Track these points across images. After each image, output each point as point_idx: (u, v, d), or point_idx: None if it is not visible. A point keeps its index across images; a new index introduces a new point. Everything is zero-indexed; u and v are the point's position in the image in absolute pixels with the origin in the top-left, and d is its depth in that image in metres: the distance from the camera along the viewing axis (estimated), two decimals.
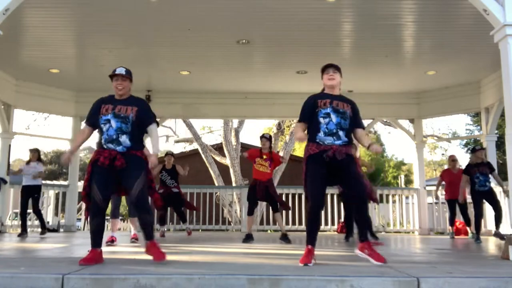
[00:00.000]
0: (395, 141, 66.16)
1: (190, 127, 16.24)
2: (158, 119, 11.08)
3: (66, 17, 6.88)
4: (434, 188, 10.84)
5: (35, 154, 8.70)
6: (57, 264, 3.83)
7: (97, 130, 4.15)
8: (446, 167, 11.39)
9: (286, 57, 8.33)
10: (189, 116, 13.24)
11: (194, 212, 10.73)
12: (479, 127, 18.39)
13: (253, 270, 3.52)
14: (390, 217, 11.04)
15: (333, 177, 4.05)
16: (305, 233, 4.13)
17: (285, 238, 6.96)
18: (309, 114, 4.10)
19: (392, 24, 6.98)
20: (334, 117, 4.01)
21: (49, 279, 3.10)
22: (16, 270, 3.43)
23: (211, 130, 19.68)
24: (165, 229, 8.68)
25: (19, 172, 8.80)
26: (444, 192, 9.19)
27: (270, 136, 7.38)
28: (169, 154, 8.77)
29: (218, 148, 17.23)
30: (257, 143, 25.70)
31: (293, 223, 10.68)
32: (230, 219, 13.85)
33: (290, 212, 10.51)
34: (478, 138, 14.84)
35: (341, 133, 4.01)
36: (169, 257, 4.77)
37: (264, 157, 7.06)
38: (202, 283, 3.10)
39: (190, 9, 6.50)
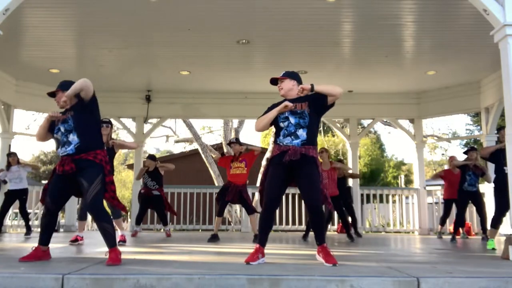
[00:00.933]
0: (395, 141, 66.09)
1: (190, 127, 16.25)
2: (157, 119, 11.22)
3: (66, 17, 6.88)
4: (434, 188, 10.91)
5: (15, 158, 8.72)
6: (57, 264, 3.83)
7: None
8: (446, 167, 11.40)
9: (286, 57, 8.32)
10: (189, 116, 13.25)
11: (194, 212, 10.74)
12: (479, 127, 18.39)
13: (253, 270, 3.52)
14: (390, 217, 11.04)
15: (293, 178, 4.18)
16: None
17: (256, 239, 6.99)
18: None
19: (392, 24, 6.98)
20: (292, 119, 4.17)
21: (49, 279, 3.10)
22: (16, 270, 3.43)
23: (211, 130, 19.71)
24: (140, 229, 8.86)
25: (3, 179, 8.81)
26: (443, 192, 9.19)
27: (237, 139, 7.57)
28: (149, 158, 8.84)
29: (218, 148, 17.23)
30: (257, 142, 25.76)
31: (293, 223, 10.68)
32: (230, 219, 13.86)
33: (290, 212, 10.54)
34: (478, 138, 14.84)
35: (300, 131, 4.13)
36: (169, 257, 4.78)
37: (239, 159, 7.27)
38: (202, 283, 3.10)
39: (190, 9, 6.49)
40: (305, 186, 4.10)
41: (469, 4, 5.19)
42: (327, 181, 7.31)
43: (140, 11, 6.56)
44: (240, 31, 7.26)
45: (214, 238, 7.10)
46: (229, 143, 7.54)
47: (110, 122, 6.47)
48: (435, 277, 3.23)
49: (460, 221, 7.95)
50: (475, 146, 9.66)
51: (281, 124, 4.20)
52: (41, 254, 4.05)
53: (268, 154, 15.09)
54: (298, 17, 6.73)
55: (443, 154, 23.47)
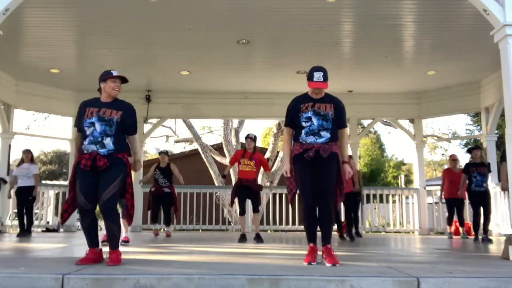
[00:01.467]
0: (395, 141, 66.05)
1: (190, 127, 16.23)
2: (157, 119, 11.22)
3: (66, 17, 6.88)
4: (434, 188, 10.89)
5: (29, 155, 8.69)
6: (57, 264, 3.83)
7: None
8: (446, 167, 11.39)
9: (286, 57, 8.33)
10: (189, 116, 13.24)
11: (194, 212, 10.74)
12: (479, 127, 18.36)
13: (253, 270, 3.52)
14: (390, 217, 11.03)
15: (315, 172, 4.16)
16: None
17: (258, 238, 6.99)
18: (294, 118, 4.25)
19: (392, 24, 6.98)
20: (315, 120, 4.16)
21: (49, 279, 3.10)
22: (16, 270, 3.43)
23: (211, 130, 19.69)
24: (169, 229, 8.75)
25: (15, 180, 8.72)
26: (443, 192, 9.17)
27: (255, 136, 7.45)
28: (163, 152, 8.83)
29: (218, 148, 17.22)
30: (257, 143, 25.75)
31: (293, 223, 10.67)
32: (230, 219, 13.84)
33: (290, 212, 10.52)
34: (478, 138, 14.83)
35: (323, 132, 4.15)
36: (169, 257, 4.78)
37: (251, 156, 7.13)
38: (202, 283, 3.10)
39: (190, 9, 6.49)
40: (320, 182, 4.11)
41: (469, 4, 5.19)
42: None
43: (140, 11, 6.56)
44: (240, 31, 7.26)
45: (243, 238, 7.04)
46: (247, 137, 7.38)
47: None
48: (435, 277, 3.23)
49: (476, 222, 7.86)
50: (478, 145, 9.61)
51: (304, 124, 4.18)
52: (96, 256, 3.95)
53: (268, 154, 15.09)
54: (298, 17, 6.73)
55: (443, 154, 23.49)
